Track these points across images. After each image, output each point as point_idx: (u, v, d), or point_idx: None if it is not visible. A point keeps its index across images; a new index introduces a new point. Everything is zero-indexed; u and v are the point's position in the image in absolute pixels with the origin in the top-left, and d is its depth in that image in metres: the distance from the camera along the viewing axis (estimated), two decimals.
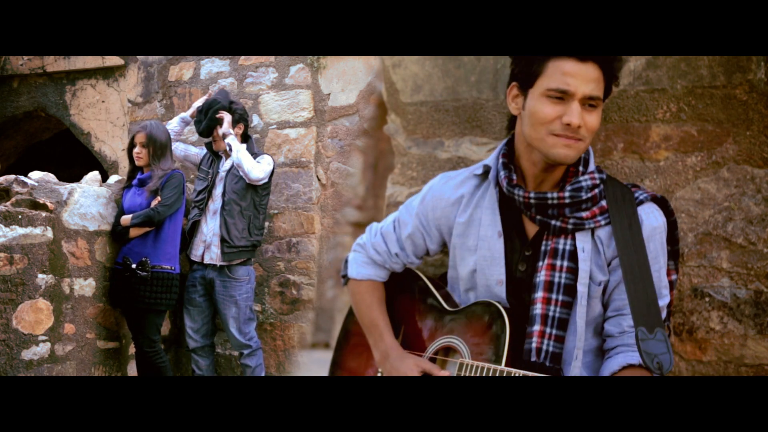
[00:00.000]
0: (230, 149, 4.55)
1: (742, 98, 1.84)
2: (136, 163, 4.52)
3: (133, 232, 4.37)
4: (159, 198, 4.39)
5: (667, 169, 1.91)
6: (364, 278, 2.00)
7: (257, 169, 4.54)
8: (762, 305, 1.84)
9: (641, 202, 1.73)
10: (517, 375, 1.61)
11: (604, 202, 1.72)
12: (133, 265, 4.35)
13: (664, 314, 1.70)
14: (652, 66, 1.90)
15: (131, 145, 4.54)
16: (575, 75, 1.65)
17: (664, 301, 1.71)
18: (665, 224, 1.75)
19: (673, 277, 1.81)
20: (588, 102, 1.66)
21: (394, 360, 1.86)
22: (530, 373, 1.61)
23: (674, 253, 1.81)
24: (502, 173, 1.78)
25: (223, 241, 4.55)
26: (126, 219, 4.37)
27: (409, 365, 1.82)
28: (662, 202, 1.77)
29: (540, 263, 1.74)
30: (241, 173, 4.54)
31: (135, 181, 4.52)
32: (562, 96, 1.65)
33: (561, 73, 1.65)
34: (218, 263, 4.59)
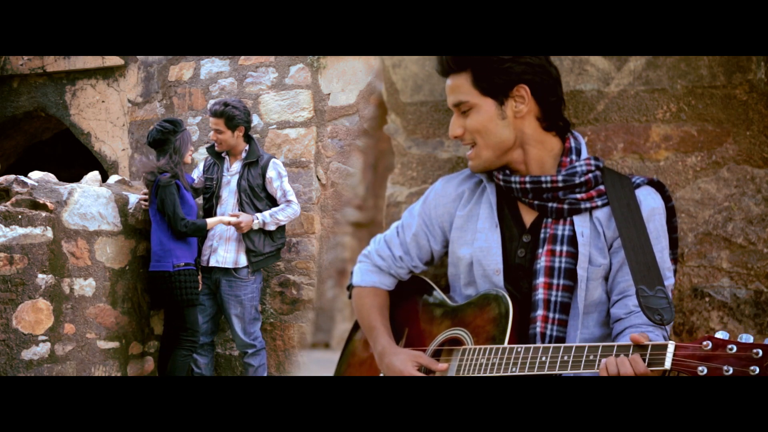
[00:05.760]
0: (270, 224, 4.67)
1: (742, 98, 1.84)
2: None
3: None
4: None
5: (667, 169, 1.91)
6: (367, 285, 2.01)
7: (292, 209, 4.70)
8: (762, 305, 1.84)
9: (638, 185, 1.78)
10: (520, 350, 1.64)
11: (601, 186, 1.77)
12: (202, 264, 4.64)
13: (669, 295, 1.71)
14: (652, 66, 1.90)
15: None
16: (446, 90, 1.84)
17: (669, 282, 1.72)
18: (664, 207, 1.78)
19: (673, 267, 1.82)
20: (460, 110, 1.81)
21: (389, 356, 1.87)
22: (533, 345, 1.63)
23: (673, 242, 1.82)
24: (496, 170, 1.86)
25: (249, 251, 4.60)
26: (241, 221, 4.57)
27: (403, 360, 1.83)
28: (659, 186, 1.80)
29: (540, 250, 1.77)
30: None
31: (193, 182, 4.64)
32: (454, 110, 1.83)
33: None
34: (228, 266, 4.62)
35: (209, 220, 4.52)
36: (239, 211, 4.62)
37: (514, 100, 1.77)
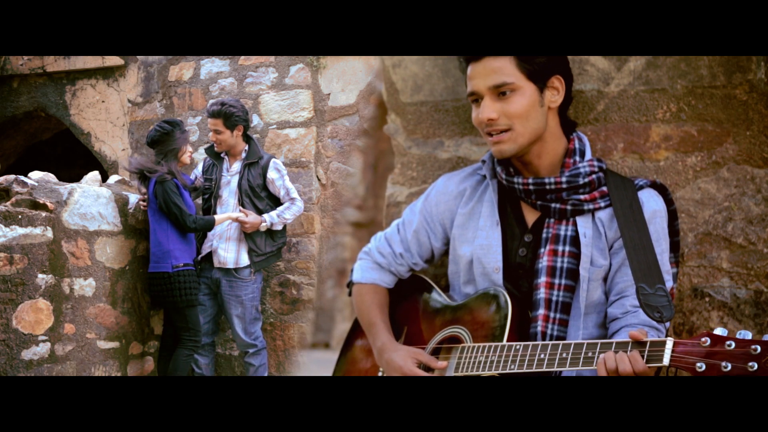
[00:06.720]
0: (278, 224, 4.69)
1: (742, 98, 1.84)
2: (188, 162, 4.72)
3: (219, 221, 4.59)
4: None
5: (667, 169, 1.91)
6: (367, 282, 2.01)
7: (297, 206, 4.71)
8: (762, 305, 1.84)
9: (641, 188, 1.78)
10: (518, 347, 1.63)
11: (604, 188, 1.77)
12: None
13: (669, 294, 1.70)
14: (652, 66, 1.90)
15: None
16: (475, 75, 1.75)
17: (667, 285, 1.72)
18: (666, 209, 1.78)
19: (674, 270, 1.81)
20: (498, 92, 1.73)
21: (388, 352, 1.87)
22: (532, 343, 1.63)
23: (675, 245, 1.82)
24: (498, 167, 1.84)
25: (251, 251, 4.60)
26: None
27: (403, 356, 1.83)
28: (662, 189, 1.80)
29: (542, 249, 1.77)
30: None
31: (192, 182, 4.63)
32: (477, 98, 1.76)
33: (468, 78, 1.77)
34: (229, 266, 4.60)
35: (217, 217, 4.52)
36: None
37: (549, 90, 1.77)
